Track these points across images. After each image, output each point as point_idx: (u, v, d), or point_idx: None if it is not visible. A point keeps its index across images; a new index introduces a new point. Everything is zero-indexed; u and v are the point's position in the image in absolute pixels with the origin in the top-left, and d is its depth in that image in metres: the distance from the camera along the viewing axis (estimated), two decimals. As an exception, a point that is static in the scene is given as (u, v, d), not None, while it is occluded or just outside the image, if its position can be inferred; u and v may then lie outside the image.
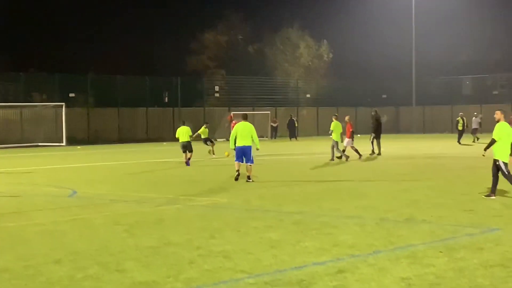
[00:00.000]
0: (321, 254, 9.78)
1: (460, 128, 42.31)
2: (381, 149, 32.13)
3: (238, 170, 20.86)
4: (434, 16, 70.56)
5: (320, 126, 62.28)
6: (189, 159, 27.81)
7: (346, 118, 30.65)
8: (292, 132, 56.95)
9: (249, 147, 20.68)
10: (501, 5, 70.71)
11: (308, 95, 67.96)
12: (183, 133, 28.33)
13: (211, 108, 59.97)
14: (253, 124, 21.86)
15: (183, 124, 29.10)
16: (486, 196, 15.75)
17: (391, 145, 38.11)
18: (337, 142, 28.95)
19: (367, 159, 29.87)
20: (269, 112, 59.55)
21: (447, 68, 71.34)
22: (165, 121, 55.93)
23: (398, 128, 68.58)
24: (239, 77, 62.65)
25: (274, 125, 58.68)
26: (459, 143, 40.92)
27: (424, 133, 64.72)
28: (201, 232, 11.77)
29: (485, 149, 16.32)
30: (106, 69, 60.48)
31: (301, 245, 10.50)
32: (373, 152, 31.80)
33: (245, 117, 21.57)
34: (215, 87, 62.92)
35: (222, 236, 11.38)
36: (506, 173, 15.58)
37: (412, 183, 19.75)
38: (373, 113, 33.60)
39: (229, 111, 55.40)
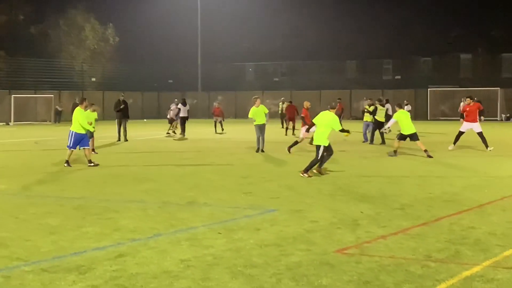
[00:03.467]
0: (101, 239, 9.71)
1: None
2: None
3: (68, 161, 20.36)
4: (220, 3, 72.01)
5: (106, 109, 61.40)
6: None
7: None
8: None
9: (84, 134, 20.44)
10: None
11: (93, 79, 66.77)
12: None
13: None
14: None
15: None
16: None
17: (177, 129, 38.31)
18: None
19: (151, 141, 29.92)
20: (52, 95, 57.67)
21: (232, 55, 73.26)
22: None
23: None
24: (21, 58, 60.14)
25: (60, 109, 56.97)
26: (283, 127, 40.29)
27: (208, 118, 65.95)
28: (-25, 220, 11.24)
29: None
30: None
31: (81, 230, 10.36)
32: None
33: (80, 102, 21.13)
34: (-6, 68, 60.01)
35: (-2, 224, 10.94)
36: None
37: (196, 167, 20.10)
38: (121, 98, 32.38)
39: (10, 94, 52.99)
